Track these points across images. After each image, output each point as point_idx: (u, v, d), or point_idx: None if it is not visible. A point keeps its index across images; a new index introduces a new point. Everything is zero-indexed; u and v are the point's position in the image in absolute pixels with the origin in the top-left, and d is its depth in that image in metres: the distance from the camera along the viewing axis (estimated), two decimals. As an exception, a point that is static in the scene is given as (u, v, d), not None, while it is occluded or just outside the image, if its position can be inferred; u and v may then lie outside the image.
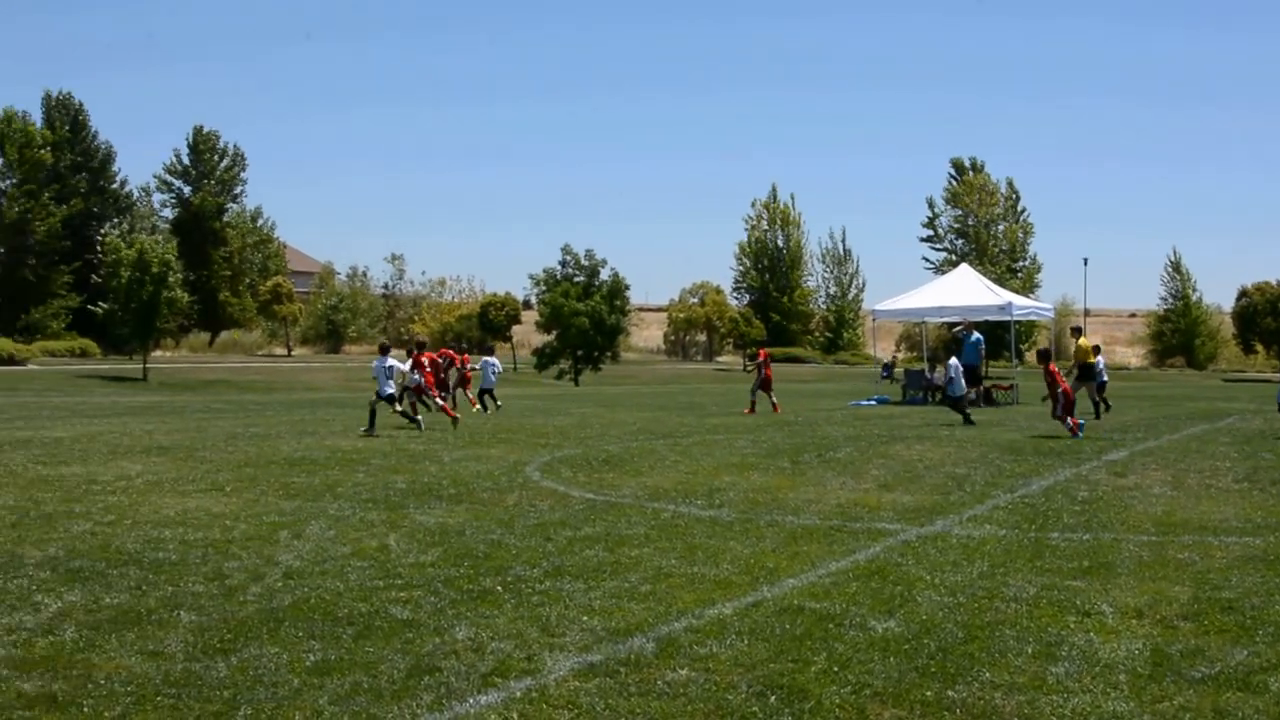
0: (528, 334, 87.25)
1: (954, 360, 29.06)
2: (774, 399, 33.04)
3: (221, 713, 6.18)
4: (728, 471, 16.88)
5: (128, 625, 7.92)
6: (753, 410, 31.99)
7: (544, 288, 74.65)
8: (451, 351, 35.47)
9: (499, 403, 33.64)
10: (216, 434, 23.26)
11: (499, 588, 9.07)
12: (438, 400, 28.89)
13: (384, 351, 25.07)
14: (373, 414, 24.00)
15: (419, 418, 24.88)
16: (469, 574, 9.59)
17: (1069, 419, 22.86)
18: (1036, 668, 6.98)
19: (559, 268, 75.47)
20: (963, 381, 27.98)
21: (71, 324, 78.34)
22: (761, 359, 34.03)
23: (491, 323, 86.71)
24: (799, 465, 17.81)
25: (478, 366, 34.16)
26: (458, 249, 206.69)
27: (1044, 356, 24.38)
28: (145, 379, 54.92)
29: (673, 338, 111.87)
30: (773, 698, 6.39)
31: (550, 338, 73.71)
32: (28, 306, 77.79)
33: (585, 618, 8.10)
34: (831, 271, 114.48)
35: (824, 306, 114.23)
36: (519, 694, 6.46)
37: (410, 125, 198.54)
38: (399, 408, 25.13)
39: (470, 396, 33.72)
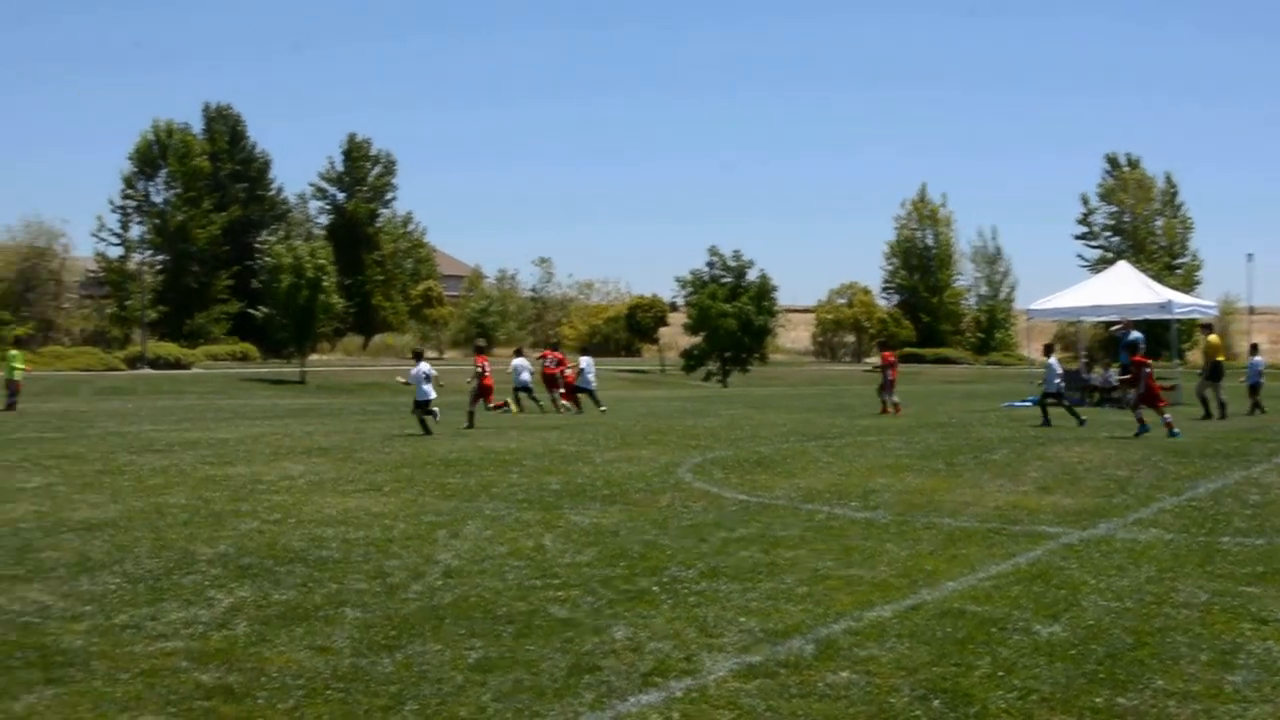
0: (675, 336, 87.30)
1: (1051, 359, 28.28)
2: (894, 400, 32.51)
3: (389, 707, 6.30)
4: (881, 473, 16.69)
5: (296, 621, 8.12)
6: (885, 410, 31.60)
7: (691, 289, 74.65)
8: (560, 354, 36.24)
9: (603, 406, 33.78)
10: (373, 435, 23.73)
11: (655, 588, 9.09)
12: (557, 394, 31.37)
13: (418, 358, 26.00)
14: (427, 419, 24.67)
15: (432, 431, 24.62)
16: (625, 574, 9.63)
17: (1138, 411, 22.95)
18: (1212, 676, 6.76)
19: (706, 269, 75.40)
20: (1058, 381, 27.38)
21: (232, 329, 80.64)
22: (886, 361, 33.51)
23: (639, 324, 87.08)
24: (954, 467, 17.55)
25: (583, 367, 34.37)
26: (605, 251, 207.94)
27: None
28: (303, 382, 56.27)
29: (820, 339, 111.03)
30: (936, 702, 6.30)
31: (698, 339, 73.67)
32: (191, 312, 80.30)
33: (743, 619, 8.08)
34: (982, 271, 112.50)
35: (975, 306, 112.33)
36: (679, 694, 6.46)
37: (558, 127, 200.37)
38: (427, 413, 25.11)
39: (558, 396, 34.13)
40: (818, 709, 6.21)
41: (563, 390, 33.89)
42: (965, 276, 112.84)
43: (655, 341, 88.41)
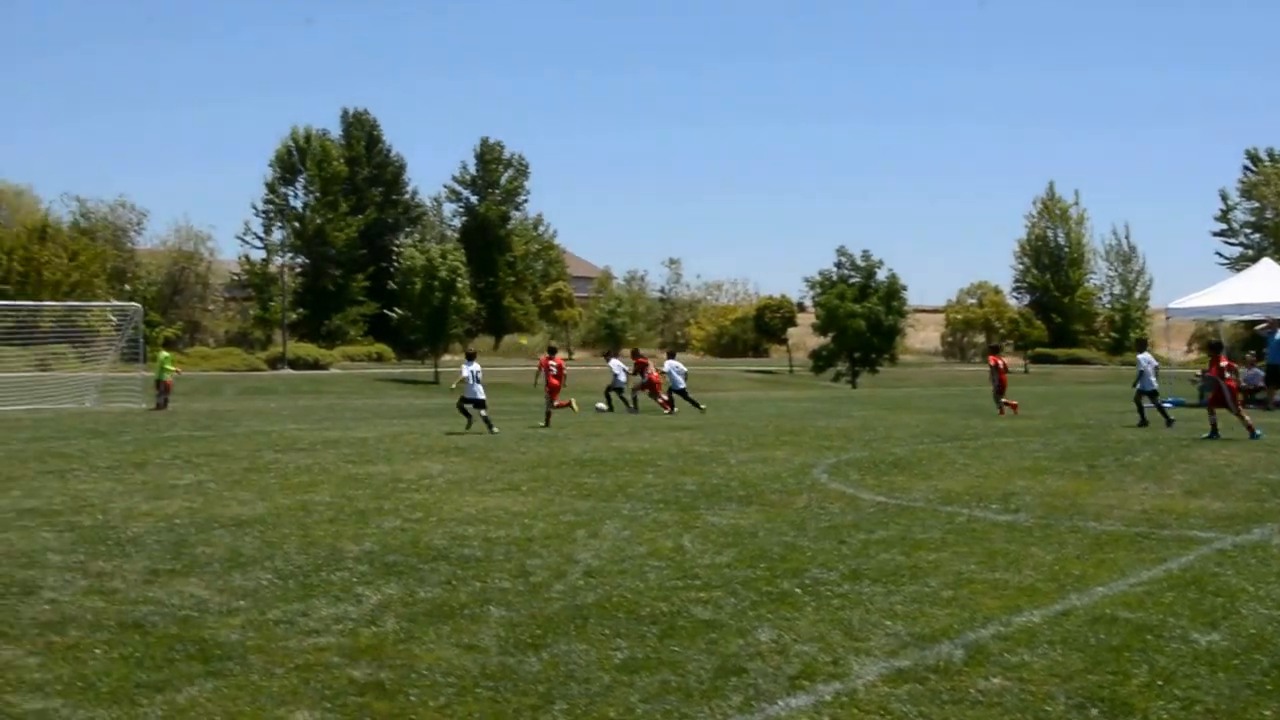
0: (803, 336, 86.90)
1: (1143, 355, 27.60)
2: (1007, 402, 31.90)
3: (538, 706, 6.34)
4: (1021, 475, 16.41)
5: (443, 618, 8.23)
6: (1002, 413, 31.08)
7: (819, 290, 74.34)
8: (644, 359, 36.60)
9: (702, 406, 34.00)
10: (508, 435, 23.98)
11: (798, 590, 9.05)
12: (662, 396, 32.40)
13: (471, 359, 26.89)
14: (467, 415, 25.73)
15: (496, 430, 25.10)
16: (766, 575, 9.60)
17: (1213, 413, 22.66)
18: (1387, 690, 6.53)
19: (834, 269, 75.05)
20: (1154, 379, 26.74)
21: (368, 330, 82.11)
22: (995, 364, 32.86)
23: (767, 325, 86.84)
24: (1096, 469, 17.19)
25: (667, 369, 34.43)
26: (733, 252, 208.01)
27: (1215, 349, 24.52)
28: (437, 382, 57.05)
29: (950, 339, 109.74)
30: (1094, 710, 6.17)
31: (826, 340, 73.30)
32: (329, 313, 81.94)
33: (888, 622, 8.00)
34: (1116, 269, 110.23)
35: (1108, 305, 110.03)
36: (828, 698, 6.42)
37: (687, 129, 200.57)
38: (485, 412, 25.65)
39: (663, 398, 34.29)
40: (970, 716, 6.12)
41: (659, 394, 34.47)
42: (1098, 275, 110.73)
43: (783, 342, 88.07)
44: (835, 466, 17.81)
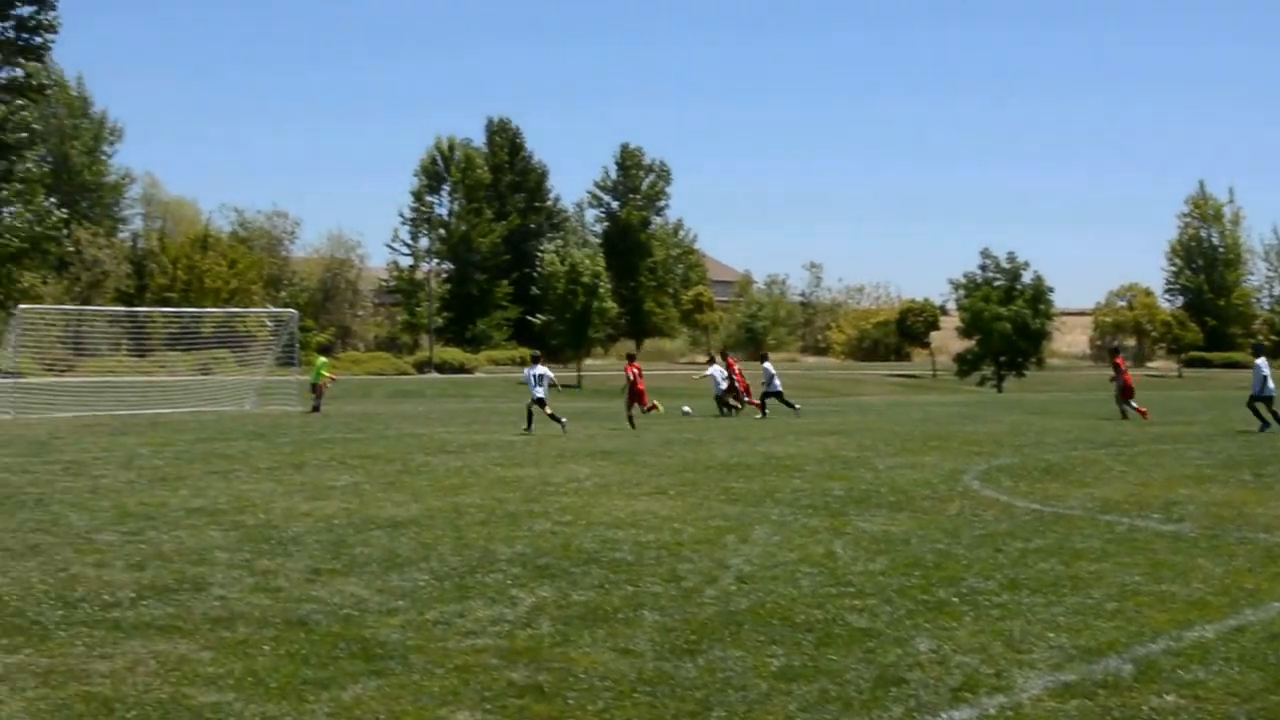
0: (947, 340, 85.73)
1: (1259, 361, 26.79)
2: (1130, 407, 31.01)
3: (696, 713, 6.33)
4: (1182, 484, 15.95)
5: (597, 622, 8.26)
6: (1126, 417, 30.27)
7: (964, 292, 73.34)
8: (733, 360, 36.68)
9: (796, 406, 34.00)
10: (653, 439, 24.03)
11: (955, 599, 8.91)
12: (745, 399, 32.83)
13: (535, 361, 28.28)
14: (530, 415, 26.51)
15: (564, 420, 26.57)
16: (921, 584, 9.47)
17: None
18: None
19: (979, 272, 73.99)
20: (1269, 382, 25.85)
21: (512, 334, 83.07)
22: (1119, 367, 31.92)
23: (909, 329, 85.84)
24: (1263, 478, 16.63)
25: (718, 375, 34.49)
26: (875, 255, 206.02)
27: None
28: (579, 386, 57.47)
29: (1099, 342, 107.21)
30: (1277, 732, 5.96)
31: (971, 343, 72.26)
32: (474, 318, 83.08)
33: (1051, 634, 7.82)
34: (1276, 269, 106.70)
35: (1268, 307, 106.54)
36: (993, 711, 6.30)
37: (828, 131, 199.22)
38: (549, 410, 26.77)
39: (753, 400, 34.24)
40: (1143, 733, 5.96)
41: (751, 398, 34.68)
42: (1257, 275, 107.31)
43: (926, 346, 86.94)
44: (986, 472, 17.51)
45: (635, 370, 30.41)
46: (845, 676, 6.94)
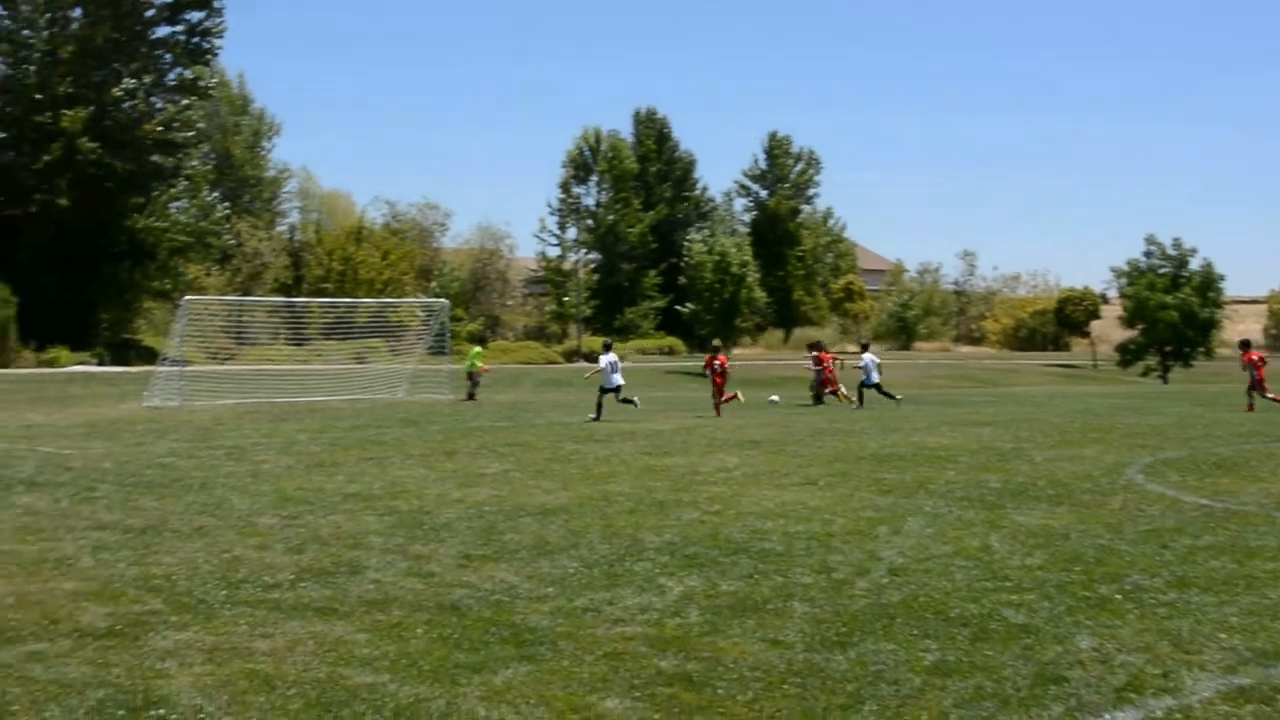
0: (1108, 329, 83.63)
1: None
2: (1266, 396, 29.92)
3: (847, 706, 6.22)
4: (1363, 480, 15.26)
5: (746, 612, 8.19)
6: (1251, 408, 29.25)
7: (1127, 280, 71.50)
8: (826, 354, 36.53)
9: (897, 396, 33.54)
10: (802, 429, 23.83)
11: (1118, 596, 8.63)
12: (839, 390, 33.05)
13: (607, 349, 29.37)
14: (599, 405, 27.32)
15: (634, 398, 28.56)
16: (1082, 580, 9.20)
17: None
18: None
19: (1143, 259, 72.07)
20: None
21: (660, 323, 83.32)
22: (1252, 359, 30.67)
23: (1068, 318, 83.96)
24: None
25: (860, 364, 33.50)
26: (1032, 243, 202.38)
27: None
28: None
29: (1274, 331, 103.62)
30: None
31: (1134, 333, 70.44)
32: (621, 307, 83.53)
33: (1223, 635, 7.52)
34: None
35: None
36: (1160, 713, 6.08)
37: (979, 126, 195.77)
38: (622, 396, 28.01)
39: (844, 392, 33.80)
40: (1327, 742, 5.68)
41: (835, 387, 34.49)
42: None
43: (1086, 335, 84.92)
44: (1151, 466, 16.99)
45: (719, 362, 30.85)
46: (1002, 673, 6.76)
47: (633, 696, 6.37)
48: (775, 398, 35.64)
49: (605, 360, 28.38)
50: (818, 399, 34.77)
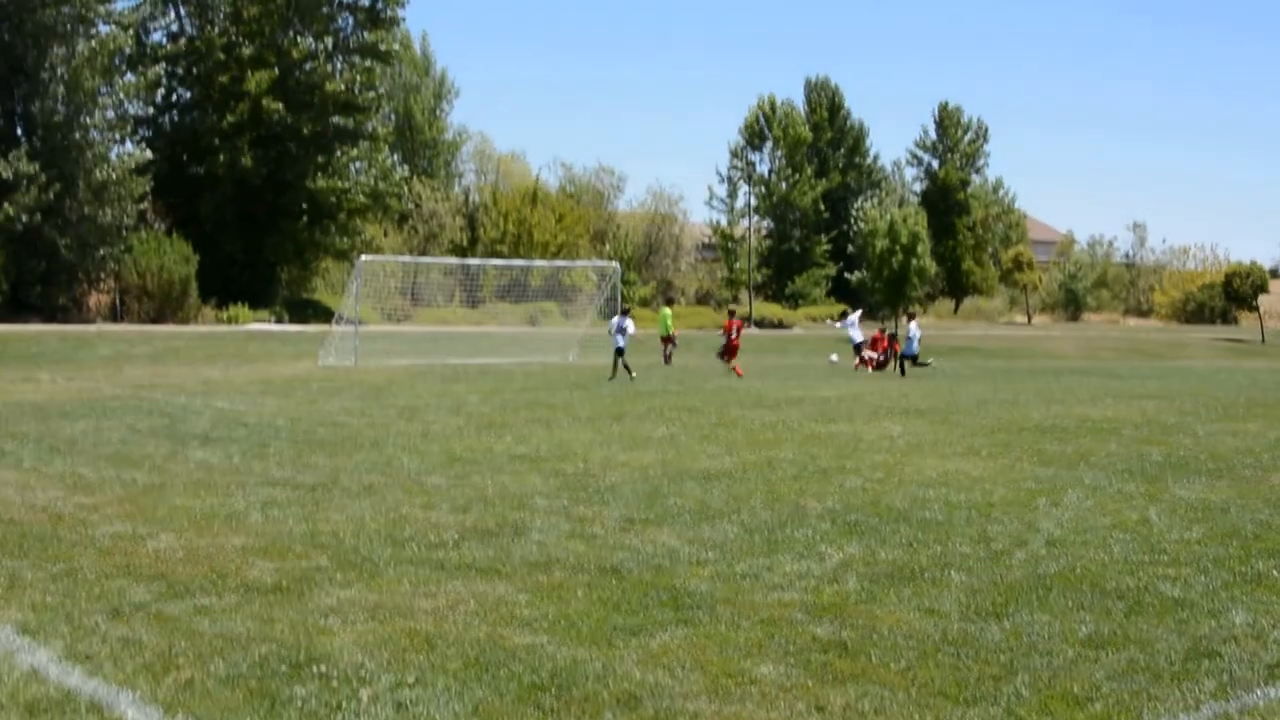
0: (1277, 305, 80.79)
1: None
2: None
3: (1000, 676, 6.34)
4: None
5: (904, 580, 8.32)
6: None
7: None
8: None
9: (930, 362, 34.63)
10: (967, 399, 23.67)
11: (1275, 572, 8.58)
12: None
13: (625, 314, 31.27)
14: (615, 365, 29.24)
15: (616, 376, 28.91)
16: (1239, 555, 9.14)
17: None
18: None
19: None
20: None
21: (830, 291, 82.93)
22: None
23: (1236, 292, 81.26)
24: None
25: (910, 334, 34.06)
26: (1203, 216, 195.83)
27: None
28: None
29: None
30: None
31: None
32: (792, 275, 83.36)
33: (1387, 615, 7.43)
34: None
35: None
36: (1311, 691, 6.08)
37: (1150, 97, 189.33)
38: (623, 359, 29.41)
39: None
40: None
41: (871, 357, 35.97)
42: None
43: (1255, 310, 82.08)
44: (1320, 442, 16.58)
45: (736, 325, 32.66)
46: (1155, 647, 6.81)
47: (787, 663, 6.53)
48: (835, 357, 37.62)
49: (613, 321, 30.78)
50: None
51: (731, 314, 34.89)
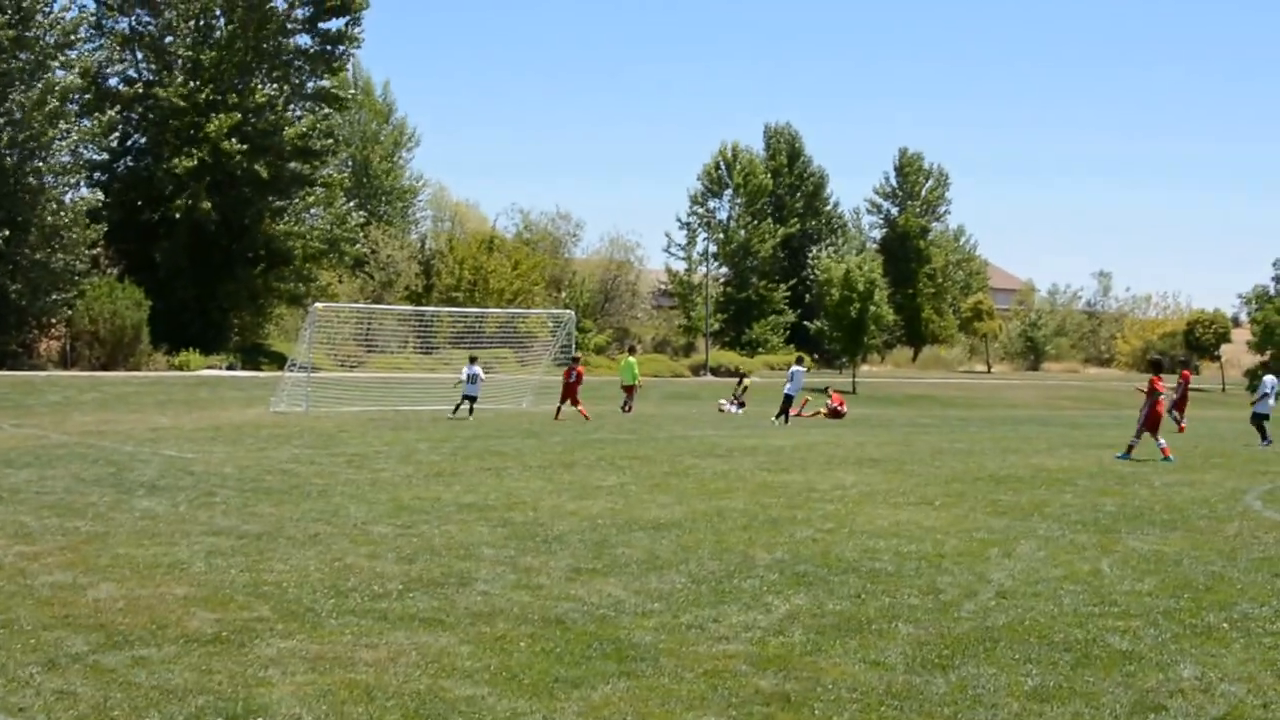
0: (1239, 353, 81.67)
1: (1269, 378, 27.80)
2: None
3: (942, 729, 6.26)
4: None
5: (850, 632, 8.26)
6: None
7: (1255, 305, 70.10)
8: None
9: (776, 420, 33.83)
10: (922, 448, 23.70)
11: (1225, 624, 8.56)
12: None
13: (472, 361, 32.57)
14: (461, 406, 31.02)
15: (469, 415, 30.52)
16: (1190, 607, 9.13)
17: (1145, 435, 22.29)
18: None
19: (1272, 284, 70.60)
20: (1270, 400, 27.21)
21: (788, 339, 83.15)
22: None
23: (1197, 341, 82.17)
24: None
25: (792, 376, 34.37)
26: (1168, 266, 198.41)
27: (1154, 367, 24.60)
28: (854, 392, 57.00)
29: None
30: None
31: (1264, 357, 68.91)
32: (750, 322, 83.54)
33: (1329, 667, 7.43)
34: None
35: None
36: (1256, 744, 6.05)
37: (1112, 144, 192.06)
38: (472, 406, 31.29)
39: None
40: None
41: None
42: None
43: (1216, 359, 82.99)
44: (1271, 493, 16.69)
45: (577, 371, 33.25)
46: (1101, 700, 6.77)
47: (729, 715, 6.48)
48: (727, 404, 39.68)
49: (466, 371, 31.92)
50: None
51: (575, 360, 34.66)
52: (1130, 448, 22.10)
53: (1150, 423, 22.30)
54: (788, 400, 33.95)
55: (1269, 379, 28.21)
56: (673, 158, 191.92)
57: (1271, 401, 27.58)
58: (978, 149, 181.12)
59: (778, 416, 33.60)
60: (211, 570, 10.03)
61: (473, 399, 31.58)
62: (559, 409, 32.19)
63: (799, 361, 36.12)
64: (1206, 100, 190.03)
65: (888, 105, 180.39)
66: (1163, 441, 21.89)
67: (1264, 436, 26.20)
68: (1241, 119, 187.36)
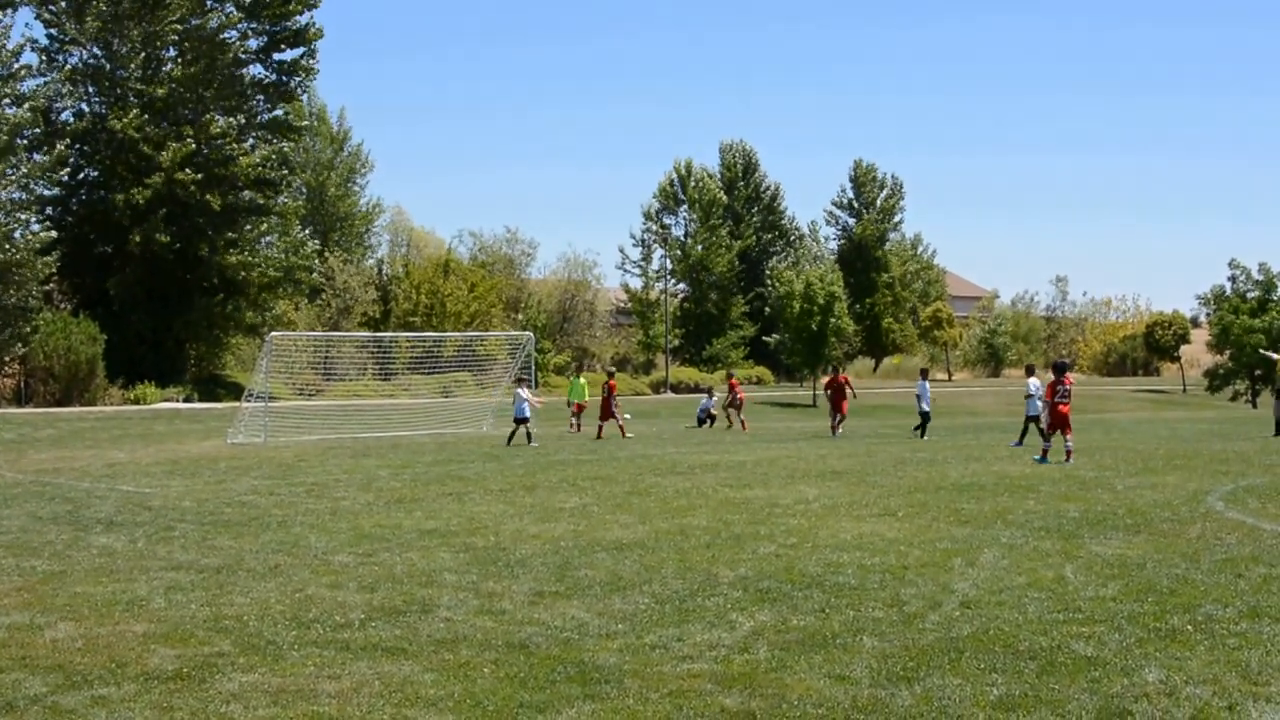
0: (1198, 354, 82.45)
1: (1033, 380, 28.93)
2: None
3: (909, 742, 6.23)
4: None
5: (815, 647, 8.22)
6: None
7: (1213, 306, 70.75)
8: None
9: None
10: (885, 459, 23.73)
11: (1189, 627, 8.57)
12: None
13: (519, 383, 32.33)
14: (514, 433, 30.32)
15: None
16: (1154, 611, 9.14)
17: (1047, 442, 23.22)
18: None
19: (1228, 284, 71.23)
20: (1037, 401, 27.08)
21: (748, 353, 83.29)
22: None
23: (1158, 343, 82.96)
24: None
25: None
26: (1125, 268, 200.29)
27: (1058, 369, 23.46)
28: (815, 405, 57.17)
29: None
30: None
31: (1222, 358, 69.57)
32: (710, 338, 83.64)
33: (1292, 666, 7.44)
34: None
35: None
36: (1222, 746, 6.04)
37: (1064, 161, 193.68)
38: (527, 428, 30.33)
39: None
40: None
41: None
42: None
43: (1176, 360, 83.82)
44: (1233, 494, 16.77)
45: (611, 386, 34.64)
46: (1066, 707, 6.76)
47: (694, 734, 6.43)
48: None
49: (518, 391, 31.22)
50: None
51: (611, 375, 36.61)
52: (1045, 451, 22.81)
53: (1055, 422, 22.65)
54: (926, 416, 33.19)
55: None
56: (628, 175, 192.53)
57: None
58: (937, 163, 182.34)
59: (915, 430, 33.03)
60: (171, 606, 9.89)
61: (522, 420, 30.28)
62: (600, 427, 33.89)
63: (923, 375, 35.30)
64: (1167, 113, 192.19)
65: (844, 128, 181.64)
66: (1068, 444, 22.27)
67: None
68: (1199, 131, 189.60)
